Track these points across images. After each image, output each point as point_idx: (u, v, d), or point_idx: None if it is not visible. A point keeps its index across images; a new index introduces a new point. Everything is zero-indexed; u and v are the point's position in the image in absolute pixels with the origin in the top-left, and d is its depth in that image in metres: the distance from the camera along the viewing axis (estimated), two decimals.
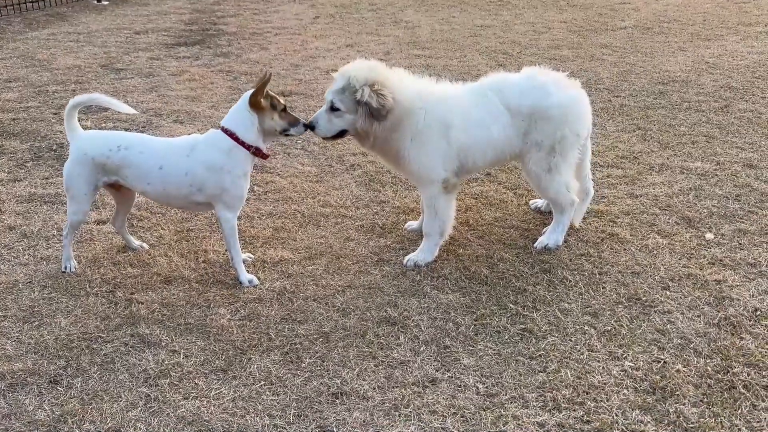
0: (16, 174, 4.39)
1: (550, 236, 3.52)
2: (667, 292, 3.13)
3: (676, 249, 3.49)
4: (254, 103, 3.09)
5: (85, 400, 2.51)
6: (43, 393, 2.55)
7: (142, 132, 4.91)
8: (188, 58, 7.10)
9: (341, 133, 3.27)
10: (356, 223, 3.82)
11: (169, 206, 3.72)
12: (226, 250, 3.34)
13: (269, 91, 3.12)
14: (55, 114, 5.44)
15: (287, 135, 3.21)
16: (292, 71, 6.66)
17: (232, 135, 3.09)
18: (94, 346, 2.80)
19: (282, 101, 3.17)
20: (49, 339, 2.84)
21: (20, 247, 3.54)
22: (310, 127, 3.22)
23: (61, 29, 8.35)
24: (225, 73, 6.58)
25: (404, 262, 3.40)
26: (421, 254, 3.40)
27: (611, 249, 3.50)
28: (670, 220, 3.78)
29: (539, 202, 3.93)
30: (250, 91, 3.12)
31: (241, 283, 3.20)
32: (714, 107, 5.53)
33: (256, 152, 3.13)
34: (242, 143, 3.09)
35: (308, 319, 2.98)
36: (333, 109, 3.18)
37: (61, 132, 5.06)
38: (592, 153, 4.65)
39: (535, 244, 3.53)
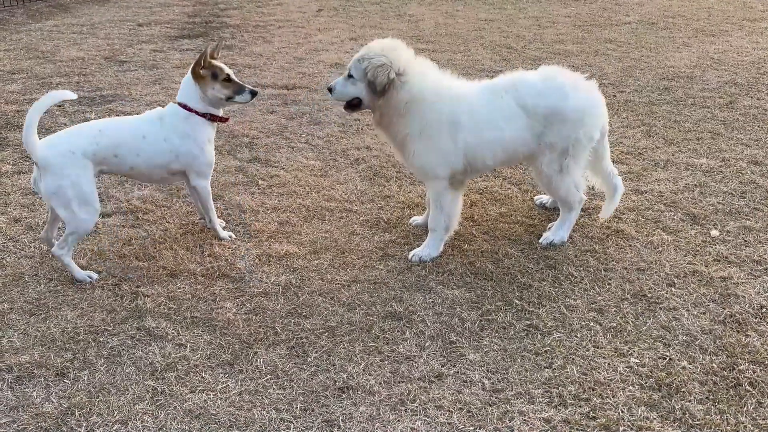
0: (21, 166, 4.39)
1: (556, 233, 3.52)
2: (673, 289, 3.13)
3: (682, 246, 3.49)
4: (195, 74, 3.32)
5: (92, 393, 2.52)
6: (50, 385, 2.55)
7: None
8: (191, 50, 7.08)
9: (357, 105, 3.34)
10: (361, 218, 3.81)
11: (150, 181, 3.75)
12: (204, 221, 3.58)
13: (212, 62, 3.33)
14: (59, 106, 5.43)
15: (234, 102, 3.41)
16: (295, 64, 6.64)
17: (184, 106, 3.32)
18: (101, 339, 2.80)
19: (226, 70, 3.35)
20: (56, 332, 2.85)
21: (26, 240, 3.54)
22: (254, 93, 3.41)
23: (64, 21, 8.33)
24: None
25: (409, 257, 3.40)
26: (426, 249, 3.40)
27: (616, 245, 3.50)
28: (675, 217, 3.77)
29: (544, 198, 3.93)
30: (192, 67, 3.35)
31: (221, 239, 3.54)
32: (719, 103, 5.51)
33: (212, 118, 3.37)
34: (195, 112, 3.32)
35: (314, 313, 2.99)
36: (350, 75, 3.28)
37: (65, 124, 5.06)
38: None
39: (540, 240, 3.53)
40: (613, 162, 4.47)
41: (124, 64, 6.60)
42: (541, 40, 7.54)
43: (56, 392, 2.52)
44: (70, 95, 3.10)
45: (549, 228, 3.60)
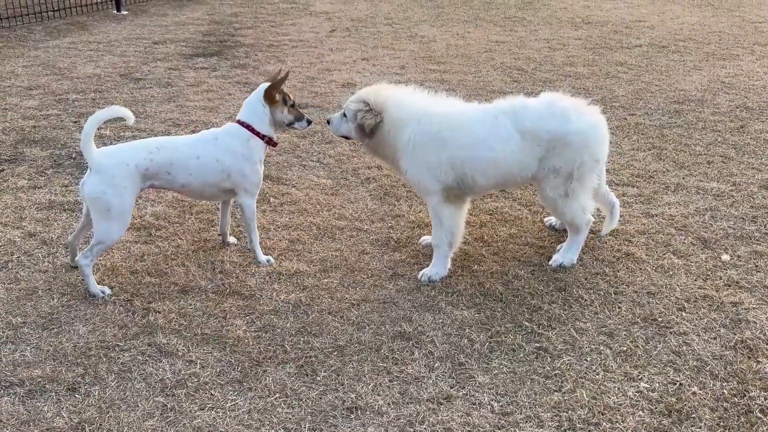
0: (36, 181, 4.45)
1: (566, 255, 3.53)
2: (683, 314, 3.12)
3: (692, 270, 3.48)
4: (269, 97, 3.44)
5: (102, 409, 2.53)
6: (61, 400, 2.57)
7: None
8: (206, 69, 7.18)
9: (350, 137, 3.63)
10: (371, 237, 3.83)
11: (201, 198, 3.74)
12: (247, 249, 3.56)
13: (282, 88, 3.47)
14: (75, 122, 5.51)
15: (293, 128, 3.59)
16: (308, 84, 6.72)
17: (248, 127, 3.42)
18: (112, 355, 2.82)
19: (291, 97, 3.54)
20: (68, 346, 2.87)
21: (40, 254, 3.58)
22: (309, 122, 3.64)
23: (81, 38, 8.47)
24: (242, 84, 6.64)
25: (419, 277, 3.42)
26: (434, 269, 3.43)
27: (627, 268, 3.50)
28: (685, 241, 3.77)
29: (553, 220, 3.94)
30: (265, 85, 3.46)
31: (259, 263, 3.52)
32: (730, 127, 5.52)
33: (269, 141, 3.49)
34: (257, 133, 3.43)
35: (323, 332, 3.00)
36: (344, 115, 3.56)
37: (81, 140, 5.13)
38: (607, 171, 4.68)
39: (549, 262, 3.53)
40: (624, 185, 4.49)
41: (140, 81, 6.69)
42: (552, 62, 7.59)
43: (67, 407, 2.54)
44: (130, 116, 3.23)
45: (558, 250, 3.60)
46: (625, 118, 5.76)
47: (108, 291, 3.24)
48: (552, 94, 3.46)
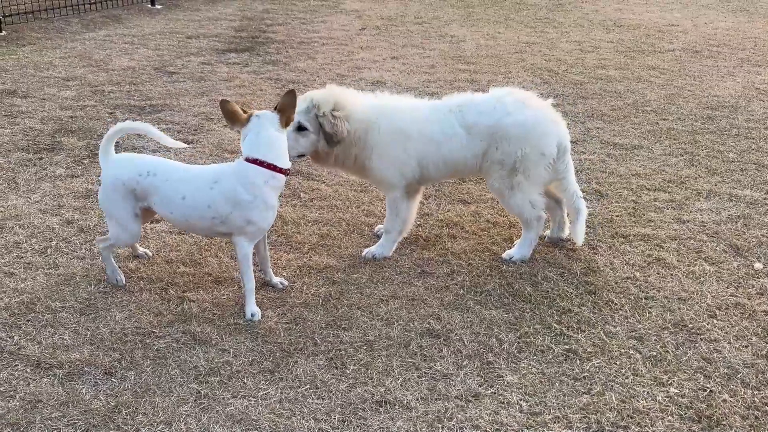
0: (74, 170, 4.56)
1: (519, 250, 3.60)
2: (714, 321, 3.10)
3: (724, 277, 3.45)
4: (288, 121, 3.01)
5: (138, 393, 2.60)
6: (98, 383, 2.64)
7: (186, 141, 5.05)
8: (238, 64, 7.27)
9: (301, 155, 3.40)
10: None
11: (189, 231, 3.54)
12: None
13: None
14: (111, 113, 5.63)
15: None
16: (338, 81, 6.75)
17: (270, 166, 2.93)
18: (147, 341, 2.89)
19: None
20: (105, 331, 2.95)
21: (77, 241, 3.67)
22: None
23: (116, 31, 8.63)
24: (273, 80, 6.71)
25: (363, 254, 3.60)
26: (380, 249, 3.60)
27: (657, 273, 3.48)
28: (717, 248, 3.74)
29: (548, 232, 3.91)
30: (269, 113, 2.99)
31: (244, 314, 3.02)
32: (764, 134, 5.44)
33: (287, 172, 3.03)
34: (280, 170, 2.96)
35: (352, 326, 3.03)
36: (300, 129, 3.30)
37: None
38: (639, 175, 4.66)
39: (502, 255, 3.61)
40: (655, 189, 4.46)
41: (173, 75, 6.80)
42: (583, 64, 7.54)
43: (104, 390, 2.61)
44: (157, 133, 3.21)
45: (514, 245, 3.67)
46: (657, 123, 5.71)
47: (122, 279, 3.25)
48: (501, 89, 3.58)
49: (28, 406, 2.52)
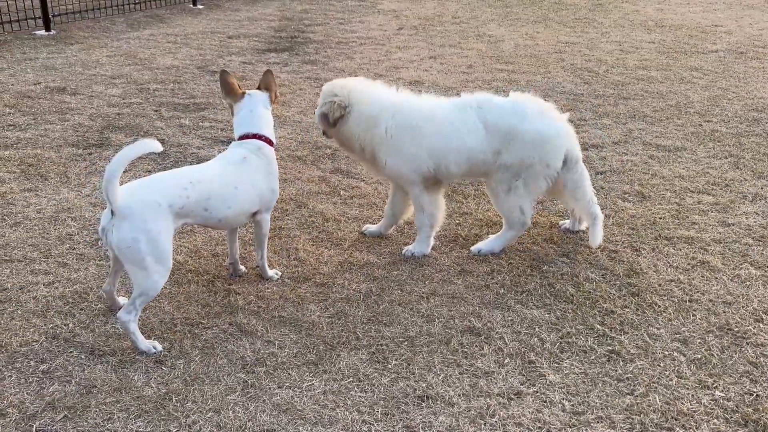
0: None
1: (490, 243, 3.66)
2: (761, 325, 3.06)
3: None
4: (275, 99, 3.29)
5: (187, 381, 2.68)
6: (149, 371, 2.73)
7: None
8: (278, 64, 7.38)
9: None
10: (439, 233, 3.88)
11: (229, 227, 3.23)
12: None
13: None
14: (156, 111, 5.77)
15: None
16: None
17: (266, 139, 3.18)
18: (196, 331, 2.98)
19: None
20: (155, 321, 3.04)
21: None
22: None
23: (160, 30, 8.83)
24: (312, 80, 6.80)
25: (402, 252, 3.66)
26: (418, 246, 3.66)
27: (702, 276, 3.44)
28: (764, 252, 3.67)
29: (568, 223, 3.93)
30: (260, 93, 3.23)
31: (269, 278, 3.34)
32: None
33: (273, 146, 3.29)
34: (271, 143, 3.23)
35: (393, 322, 3.07)
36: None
37: (161, 128, 5.38)
38: (682, 177, 4.60)
39: (471, 248, 3.67)
40: (699, 192, 4.39)
41: (215, 74, 6.93)
42: (624, 65, 7.45)
43: (155, 378, 2.70)
44: (158, 147, 2.69)
45: (488, 237, 3.73)
46: (701, 125, 5.61)
47: (159, 347, 2.82)
48: (521, 94, 3.60)
49: (84, 390, 2.62)
